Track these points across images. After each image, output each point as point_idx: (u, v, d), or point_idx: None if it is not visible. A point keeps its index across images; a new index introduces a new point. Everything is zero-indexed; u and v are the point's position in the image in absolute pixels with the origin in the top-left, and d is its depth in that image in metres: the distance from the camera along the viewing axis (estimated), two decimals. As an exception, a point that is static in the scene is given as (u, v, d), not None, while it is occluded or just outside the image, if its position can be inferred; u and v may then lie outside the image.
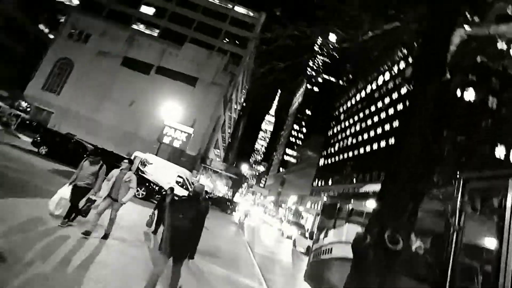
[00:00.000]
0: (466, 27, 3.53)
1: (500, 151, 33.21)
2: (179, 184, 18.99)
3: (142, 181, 15.55)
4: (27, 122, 30.02)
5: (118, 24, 45.37)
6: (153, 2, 52.49)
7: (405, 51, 47.69)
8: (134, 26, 50.53)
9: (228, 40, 53.49)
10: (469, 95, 35.35)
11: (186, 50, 41.99)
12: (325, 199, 9.77)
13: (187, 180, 19.82)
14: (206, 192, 32.16)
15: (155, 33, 51.08)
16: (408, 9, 4.82)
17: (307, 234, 19.85)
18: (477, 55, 4.71)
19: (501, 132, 32.10)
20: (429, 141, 3.11)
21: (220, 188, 58.75)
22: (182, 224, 3.91)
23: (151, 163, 18.97)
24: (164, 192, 10.63)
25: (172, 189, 8.81)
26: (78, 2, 50.30)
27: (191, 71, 40.54)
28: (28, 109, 36.26)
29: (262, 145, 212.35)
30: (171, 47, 42.67)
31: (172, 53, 41.66)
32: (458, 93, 34.84)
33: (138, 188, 14.50)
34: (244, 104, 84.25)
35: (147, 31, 50.83)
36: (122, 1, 50.18)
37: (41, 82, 39.88)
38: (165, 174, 18.83)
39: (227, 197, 45.55)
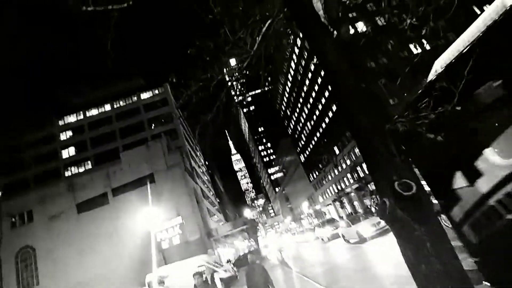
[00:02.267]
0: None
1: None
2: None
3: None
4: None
5: (51, 184, 43.64)
6: (68, 143, 51.68)
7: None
8: (67, 173, 48.99)
9: (154, 125, 53.87)
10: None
11: (126, 159, 41.31)
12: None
13: (210, 263, 18.85)
14: (229, 261, 30.73)
15: (89, 165, 49.93)
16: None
17: (348, 221, 19.07)
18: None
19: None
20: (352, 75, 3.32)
21: (240, 246, 56.40)
22: None
23: (167, 275, 17.82)
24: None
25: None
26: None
27: (142, 172, 39.74)
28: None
29: (247, 183, 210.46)
30: (111, 166, 41.78)
31: (116, 171, 40.71)
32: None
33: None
34: (207, 163, 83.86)
35: (81, 169, 49.51)
36: (42, 161, 48.76)
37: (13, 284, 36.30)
38: (186, 275, 17.73)
39: (252, 249, 43.75)
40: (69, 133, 54.03)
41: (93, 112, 55.95)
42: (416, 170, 3.68)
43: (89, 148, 51.29)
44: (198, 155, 69.42)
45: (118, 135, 52.12)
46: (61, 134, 53.82)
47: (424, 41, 34.20)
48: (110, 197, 39.32)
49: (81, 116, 55.48)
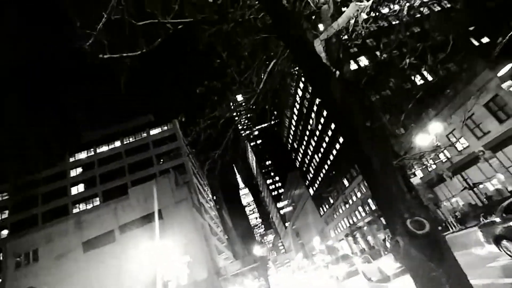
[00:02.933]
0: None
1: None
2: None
3: None
4: None
5: (58, 222, 43.46)
6: (78, 180, 52.25)
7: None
8: (74, 210, 48.94)
9: (163, 160, 54.43)
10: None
11: (134, 195, 41.27)
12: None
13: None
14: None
15: (97, 201, 49.95)
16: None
17: (368, 256, 17.63)
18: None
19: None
20: (358, 114, 3.39)
21: (250, 285, 53.97)
22: None
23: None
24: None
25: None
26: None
27: (150, 208, 39.45)
28: None
29: (256, 218, 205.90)
30: (119, 202, 41.69)
31: (124, 206, 40.53)
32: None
33: None
34: (214, 198, 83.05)
35: (89, 205, 49.49)
36: (51, 198, 49.08)
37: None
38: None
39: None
40: (79, 170, 54.82)
41: (104, 148, 57.15)
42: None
43: (98, 184, 51.66)
44: (206, 190, 69.05)
45: (127, 171, 52.62)
46: (71, 171, 54.64)
47: (425, 73, 34.88)
48: (117, 234, 38.78)
49: (92, 153, 56.63)
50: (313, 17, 4.76)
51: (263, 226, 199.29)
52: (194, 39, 5.59)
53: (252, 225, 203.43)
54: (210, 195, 74.43)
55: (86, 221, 40.56)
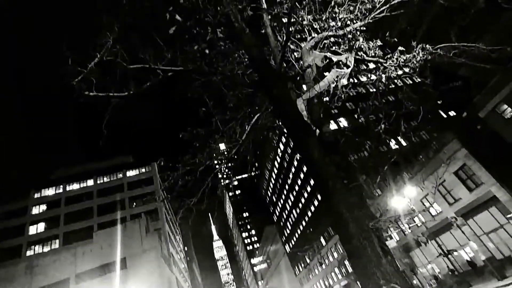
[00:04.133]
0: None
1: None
2: None
3: None
4: None
5: (7, 264, 38.99)
6: (39, 218, 48.33)
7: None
8: (29, 252, 44.34)
9: (135, 204, 51.92)
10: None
11: (98, 239, 38.22)
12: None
13: None
14: None
15: (56, 244, 45.75)
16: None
17: None
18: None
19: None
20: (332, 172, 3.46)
21: None
22: None
23: None
24: None
25: None
26: None
27: (113, 255, 36.37)
28: None
29: (227, 273, 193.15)
30: (81, 246, 38.29)
31: (85, 252, 37.15)
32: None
33: None
34: (186, 248, 78.21)
35: (46, 248, 45.11)
36: (3, 237, 44.57)
37: None
38: None
39: None
40: (43, 207, 50.97)
41: (74, 186, 54.17)
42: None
43: (61, 224, 47.76)
44: (178, 239, 65.26)
45: (95, 212, 49.41)
46: (34, 207, 50.71)
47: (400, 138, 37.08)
48: (72, 284, 34.87)
49: (61, 190, 53.37)
50: (298, 78, 5.10)
51: (234, 283, 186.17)
52: (183, 86, 5.78)
53: (223, 282, 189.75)
54: (182, 245, 70.12)
55: (39, 266, 36.56)
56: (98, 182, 54.81)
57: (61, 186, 53.90)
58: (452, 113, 42.26)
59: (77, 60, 4.50)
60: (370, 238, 3.20)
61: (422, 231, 26.09)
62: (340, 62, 4.36)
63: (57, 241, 46.26)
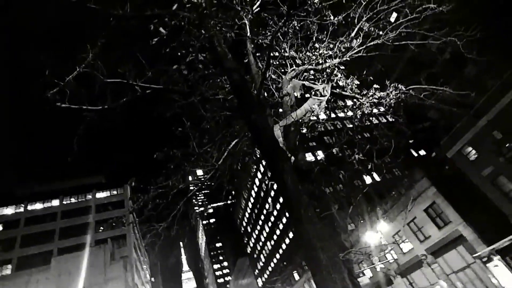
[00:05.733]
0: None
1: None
2: None
3: None
4: None
5: None
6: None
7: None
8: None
9: (103, 228, 48.96)
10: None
11: (57, 266, 35.17)
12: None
13: None
14: None
15: (8, 269, 41.70)
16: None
17: None
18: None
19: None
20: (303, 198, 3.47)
21: None
22: None
23: None
24: None
25: None
26: None
27: (73, 284, 33.39)
28: None
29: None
30: (36, 273, 34.99)
31: (39, 280, 33.95)
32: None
33: None
34: (153, 279, 73.40)
35: (-5, 274, 40.85)
36: None
37: None
38: None
39: None
40: (-1, 228, 46.86)
41: (37, 206, 50.57)
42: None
43: (16, 247, 43.82)
44: (145, 268, 61.36)
45: (57, 236, 45.94)
46: (-13, 228, 46.51)
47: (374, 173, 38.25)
48: (19, 315, 31.42)
49: (21, 209, 49.58)
50: (276, 105, 5.24)
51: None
52: (162, 105, 5.74)
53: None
54: (148, 276, 65.84)
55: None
56: (64, 202, 51.60)
57: (22, 205, 50.20)
58: (422, 152, 44.46)
59: (55, 71, 4.40)
60: (340, 270, 3.15)
61: (394, 267, 26.14)
62: (318, 92, 4.56)
63: (10, 266, 42.19)
